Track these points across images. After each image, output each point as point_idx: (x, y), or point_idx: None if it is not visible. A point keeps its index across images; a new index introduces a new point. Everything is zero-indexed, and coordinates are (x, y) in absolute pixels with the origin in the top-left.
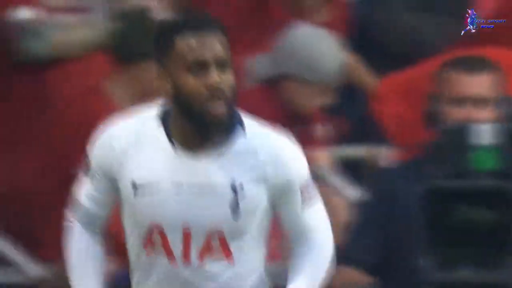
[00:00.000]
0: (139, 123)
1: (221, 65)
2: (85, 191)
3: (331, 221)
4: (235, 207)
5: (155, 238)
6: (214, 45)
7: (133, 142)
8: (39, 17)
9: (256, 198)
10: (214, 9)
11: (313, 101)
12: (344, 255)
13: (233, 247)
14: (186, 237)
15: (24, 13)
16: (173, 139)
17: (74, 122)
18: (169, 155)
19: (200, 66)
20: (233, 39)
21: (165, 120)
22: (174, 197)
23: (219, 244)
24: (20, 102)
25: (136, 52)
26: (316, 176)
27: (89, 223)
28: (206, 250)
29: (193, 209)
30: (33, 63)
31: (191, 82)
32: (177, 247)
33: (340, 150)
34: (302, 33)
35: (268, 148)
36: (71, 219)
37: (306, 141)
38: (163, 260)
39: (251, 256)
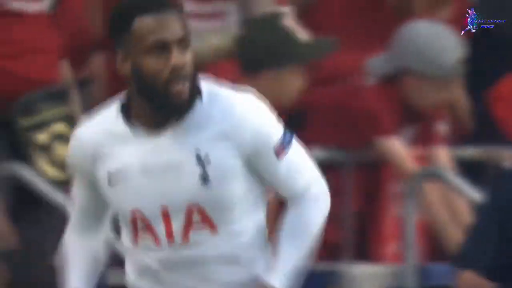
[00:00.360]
0: (102, 119)
1: (181, 44)
2: (76, 194)
3: (453, 222)
4: (204, 177)
5: (139, 224)
6: (173, 25)
7: (100, 139)
8: None
9: (225, 164)
10: (330, 10)
11: (434, 97)
12: (464, 257)
13: (216, 219)
14: (166, 217)
15: None
16: (134, 124)
17: None
18: (133, 141)
19: (161, 47)
20: (351, 40)
21: (126, 106)
22: (145, 181)
23: (200, 219)
24: None
25: (263, 61)
26: (436, 176)
27: (87, 226)
28: (189, 226)
29: (165, 189)
30: None
31: (152, 63)
32: (160, 228)
33: (460, 150)
34: (422, 28)
35: (227, 110)
36: (69, 222)
37: (426, 139)
38: (151, 245)
39: (242, 226)
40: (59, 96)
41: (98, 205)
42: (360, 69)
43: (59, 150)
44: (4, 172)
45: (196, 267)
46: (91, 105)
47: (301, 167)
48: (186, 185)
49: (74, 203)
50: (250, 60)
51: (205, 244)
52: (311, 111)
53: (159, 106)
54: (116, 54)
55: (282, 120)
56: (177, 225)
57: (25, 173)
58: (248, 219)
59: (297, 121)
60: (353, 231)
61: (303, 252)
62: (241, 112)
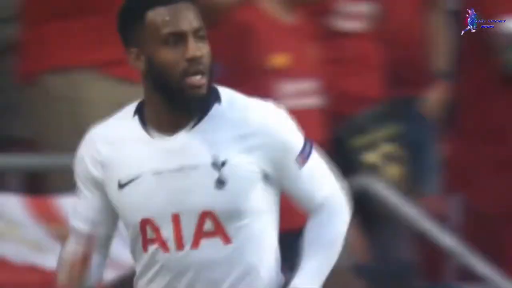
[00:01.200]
0: (117, 122)
1: (197, 35)
2: (78, 213)
3: None
4: (221, 184)
5: (149, 233)
6: (188, 16)
7: (113, 142)
8: None
9: (245, 171)
10: None
11: None
12: None
13: (230, 229)
14: (177, 224)
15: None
16: (148, 126)
17: None
18: (146, 144)
19: (177, 38)
20: None
21: (142, 108)
22: (158, 187)
23: (213, 226)
24: (501, 116)
25: None
26: None
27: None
28: (199, 234)
29: (178, 195)
30: None
31: (168, 55)
32: (170, 236)
33: None
34: None
35: (247, 116)
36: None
37: None
38: (159, 252)
39: (256, 239)
40: (386, 115)
41: (103, 217)
42: None
43: (389, 170)
44: (355, 185)
45: (205, 271)
46: None
47: (321, 178)
48: (201, 190)
49: (75, 221)
50: None
51: (215, 251)
52: None
53: (176, 101)
54: (128, 51)
55: None
56: (187, 232)
57: (378, 186)
58: (262, 227)
59: None
60: None
61: (326, 262)
62: (262, 118)
